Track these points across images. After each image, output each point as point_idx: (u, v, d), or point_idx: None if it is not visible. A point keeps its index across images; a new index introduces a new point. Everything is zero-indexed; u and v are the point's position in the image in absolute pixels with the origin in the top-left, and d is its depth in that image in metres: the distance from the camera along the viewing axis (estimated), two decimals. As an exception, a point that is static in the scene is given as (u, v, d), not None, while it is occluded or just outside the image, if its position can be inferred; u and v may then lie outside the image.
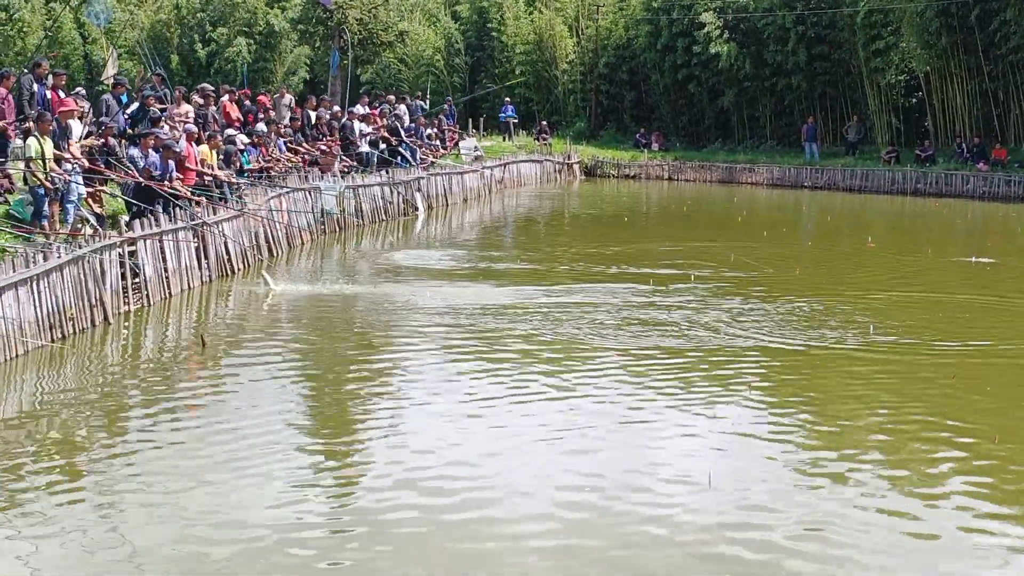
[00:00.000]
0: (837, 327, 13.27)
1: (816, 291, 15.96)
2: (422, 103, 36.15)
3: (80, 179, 15.25)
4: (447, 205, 30.88)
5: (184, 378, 11.09)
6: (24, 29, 47.22)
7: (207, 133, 19.69)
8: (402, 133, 29.77)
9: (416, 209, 28.20)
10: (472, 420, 9.38)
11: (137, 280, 14.39)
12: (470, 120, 43.08)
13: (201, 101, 22.35)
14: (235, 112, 23.66)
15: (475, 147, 36.04)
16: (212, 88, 23.71)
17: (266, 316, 14.49)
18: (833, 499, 7.59)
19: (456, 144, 35.76)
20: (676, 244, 22.22)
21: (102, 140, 16.78)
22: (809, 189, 38.13)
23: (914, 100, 40.06)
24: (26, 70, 17.91)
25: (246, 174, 20.92)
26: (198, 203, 16.99)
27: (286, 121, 25.45)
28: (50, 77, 17.59)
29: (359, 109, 29.34)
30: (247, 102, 25.22)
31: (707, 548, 6.83)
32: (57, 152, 14.65)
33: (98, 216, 15.75)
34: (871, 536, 6.97)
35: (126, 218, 15.59)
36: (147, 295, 14.47)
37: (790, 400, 10.19)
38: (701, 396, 10.22)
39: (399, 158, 29.14)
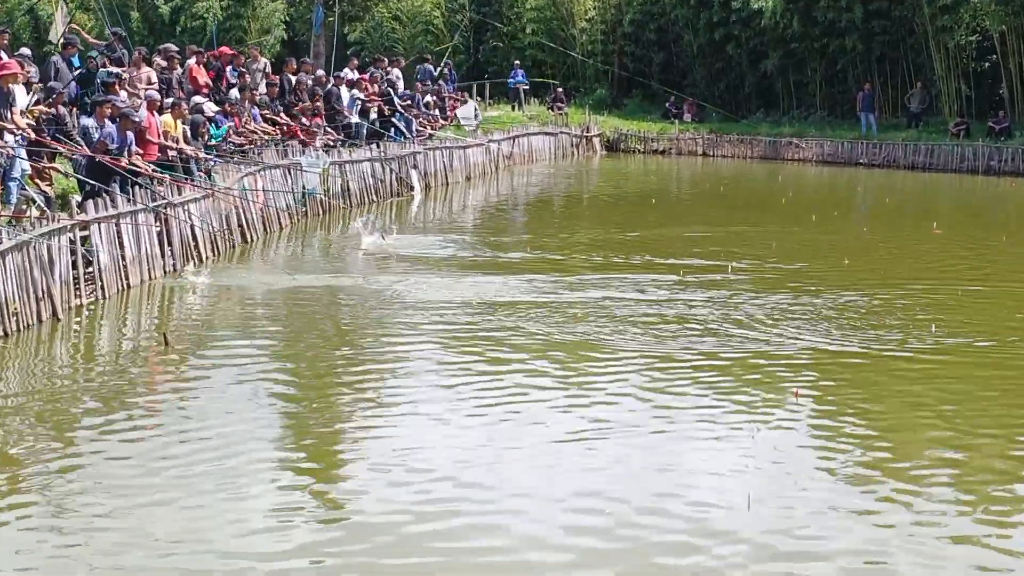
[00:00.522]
0: (896, 327, 13.23)
1: (872, 284, 15.91)
2: (430, 67, 36.13)
3: (24, 153, 15.26)
4: (447, 184, 30.88)
5: (144, 382, 11.09)
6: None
7: (171, 101, 19.70)
8: (396, 101, 29.78)
9: (411, 189, 28.21)
10: (473, 433, 9.37)
11: (90, 270, 14.40)
12: (474, 86, 43.06)
13: (164, 64, 22.37)
14: (203, 77, 23.68)
15: (475, 112, 36.00)
16: (177, 49, 23.73)
17: (238, 311, 14.49)
18: (893, 526, 7.55)
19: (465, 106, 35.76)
20: (711, 230, 22.17)
21: (52, 109, 16.80)
22: (865, 167, 38.03)
23: (987, 64, 39.88)
24: (-38, 28, 17.94)
25: (215, 148, 20.92)
26: (160, 181, 17.00)
27: (262, 88, 25.47)
28: (-10, 36, 17.62)
29: (346, 73, 29.35)
30: (216, 63, 25.24)
31: (745, 582, 6.81)
32: (-1, 122, 14.69)
33: (46, 196, 15.77)
34: (944, 572, 6.92)
35: (78, 198, 15.59)
36: (102, 287, 14.48)
37: (842, 411, 10.14)
38: (739, 406, 10.18)
39: (392, 130, 29.15)
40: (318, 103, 26.28)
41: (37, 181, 15.99)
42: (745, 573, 6.88)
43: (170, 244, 16.61)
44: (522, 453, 8.89)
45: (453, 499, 7.90)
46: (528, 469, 8.52)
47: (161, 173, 17.16)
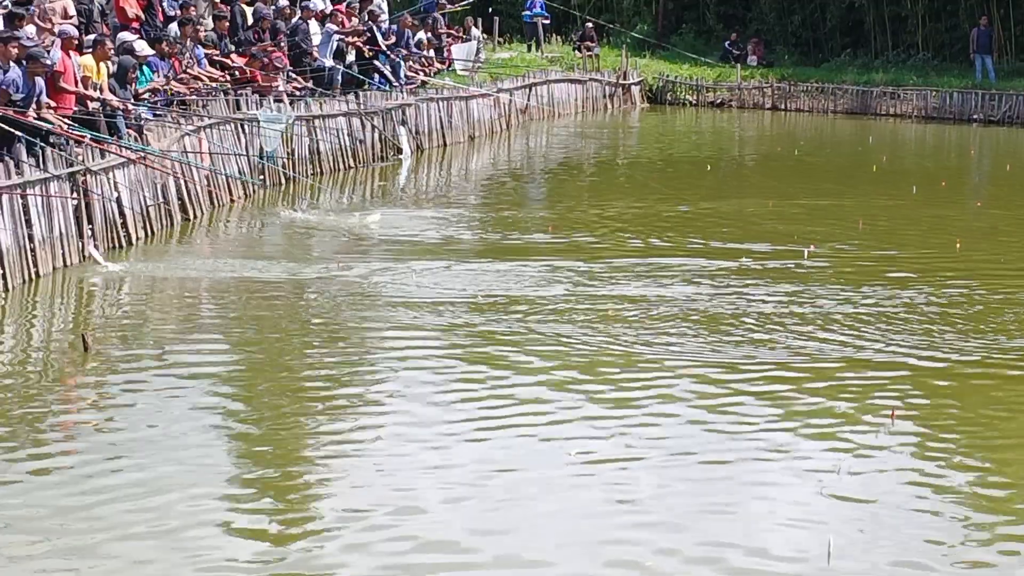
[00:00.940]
0: (1019, 331, 13.19)
1: (987, 275, 15.88)
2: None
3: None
4: (445, 145, 30.88)
5: (58, 399, 11.07)
6: None
7: (92, 38, 19.69)
8: (380, 39, 29.77)
9: (399, 151, 28.20)
10: (472, 465, 9.35)
11: (-11, 254, 14.41)
12: (480, 20, 42.99)
13: (84, -10, 22.37)
14: (133, 8, 23.68)
15: (477, 48, 35.95)
16: (101, -28, 23.73)
17: (176, 308, 14.49)
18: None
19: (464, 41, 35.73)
20: (781, 205, 22.13)
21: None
22: (980, 123, 37.95)
23: None
24: None
25: (148, 99, 20.92)
26: (79, 141, 17.00)
27: (208, 21, 25.47)
28: None
29: (317, 3, 29.35)
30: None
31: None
32: None
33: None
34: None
35: (-27, 163, 15.61)
36: (3, 275, 14.49)
37: (950, 438, 10.11)
38: (818, 430, 10.15)
39: (375, 76, 29.13)
40: (280, 41, 26.28)
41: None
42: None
43: (90, 222, 16.60)
44: (537, 489, 8.86)
45: (444, 551, 7.89)
46: (545, 509, 8.49)
47: (79, 131, 17.14)
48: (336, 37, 28.14)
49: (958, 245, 17.81)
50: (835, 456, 9.60)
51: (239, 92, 23.70)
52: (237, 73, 24.58)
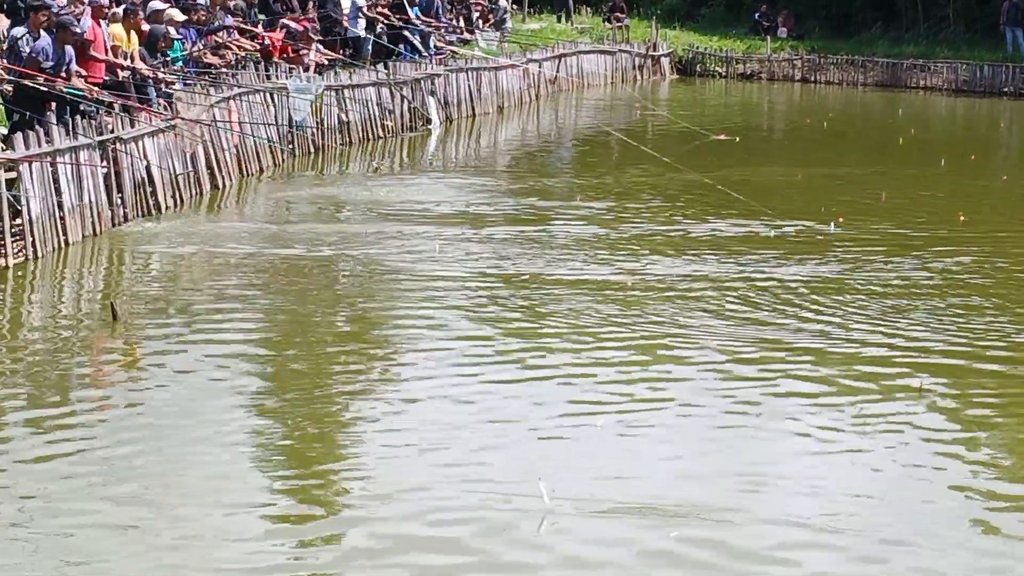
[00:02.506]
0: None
1: (1010, 248, 15.81)
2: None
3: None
4: (473, 116, 30.80)
5: (86, 367, 11.09)
6: None
7: (123, 7, 19.67)
8: (409, 10, 29.68)
9: (428, 122, 28.15)
10: (497, 436, 9.33)
11: (19, 222, 14.42)
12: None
13: (115, -40, 22.33)
14: (165, -24, 23.63)
15: (503, 19, 35.84)
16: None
17: (204, 276, 14.48)
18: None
19: (493, 23, 35.58)
20: (810, 176, 22.02)
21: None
22: (1011, 97, 37.65)
23: None
24: None
25: (178, 48, 20.87)
26: (109, 108, 16.99)
27: (238, -10, 25.42)
28: None
29: (346, -27, 29.27)
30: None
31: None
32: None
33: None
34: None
35: (3, 131, 15.59)
36: (33, 243, 14.51)
37: (977, 412, 10.05)
38: (842, 412, 10.09)
39: (404, 46, 29.06)
40: (311, 11, 26.22)
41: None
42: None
43: (120, 190, 16.61)
44: (563, 455, 8.85)
45: (471, 519, 7.88)
46: (573, 476, 8.47)
47: (109, 99, 17.13)
48: (364, 9, 28.06)
49: (961, 218, 17.70)
50: (862, 426, 9.56)
51: (269, 62, 23.66)
52: (268, 43, 24.51)
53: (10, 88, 15.92)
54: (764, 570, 7.30)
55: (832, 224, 16.90)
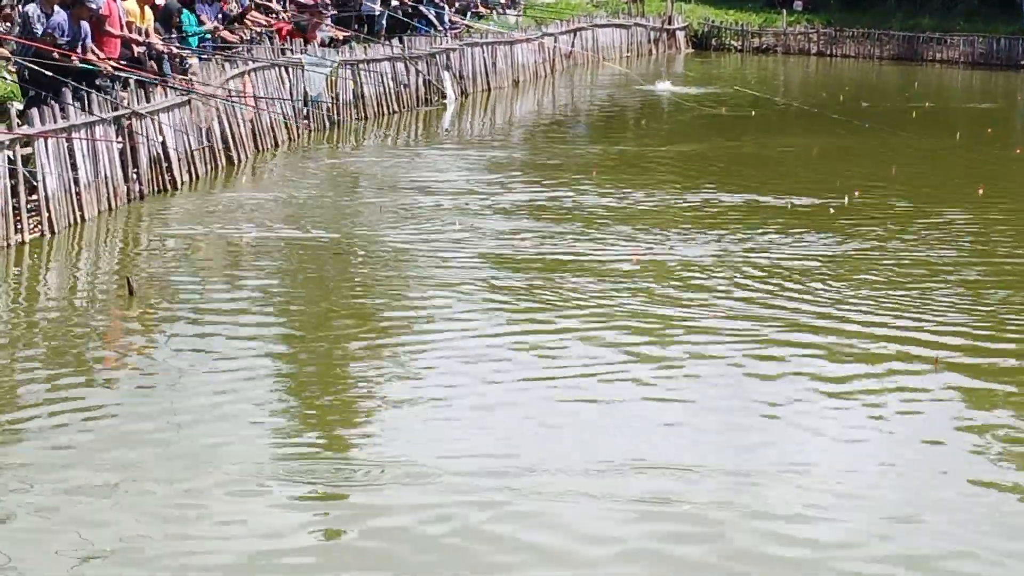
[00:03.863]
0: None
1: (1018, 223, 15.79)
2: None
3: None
4: (489, 90, 30.75)
5: (102, 343, 11.09)
6: None
7: (138, -18, 19.62)
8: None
9: (444, 96, 28.11)
10: (516, 411, 9.32)
11: (35, 198, 14.42)
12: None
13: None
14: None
15: (518, 5, 35.84)
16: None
17: (220, 252, 14.47)
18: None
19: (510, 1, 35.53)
20: (826, 150, 21.95)
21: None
22: (1027, 70, 37.55)
23: None
24: None
25: (195, 42, 20.87)
26: (125, 83, 16.97)
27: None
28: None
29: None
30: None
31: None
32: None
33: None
34: None
35: (18, 106, 15.57)
36: (49, 219, 14.50)
37: (993, 386, 10.02)
38: (859, 378, 10.08)
39: (420, 21, 28.99)
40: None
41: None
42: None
43: (135, 165, 16.60)
44: (579, 438, 8.84)
45: (493, 488, 7.86)
46: (587, 453, 8.47)
47: (125, 73, 17.10)
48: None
49: (980, 191, 17.66)
50: (879, 400, 9.56)
51: (284, 37, 23.62)
52: (283, 18, 24.45)
53: (27, 66, 15.89)
54: (778, 529, 7.33)
55: (847, 198, 16.86)
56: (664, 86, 32.37)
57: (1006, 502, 7.97)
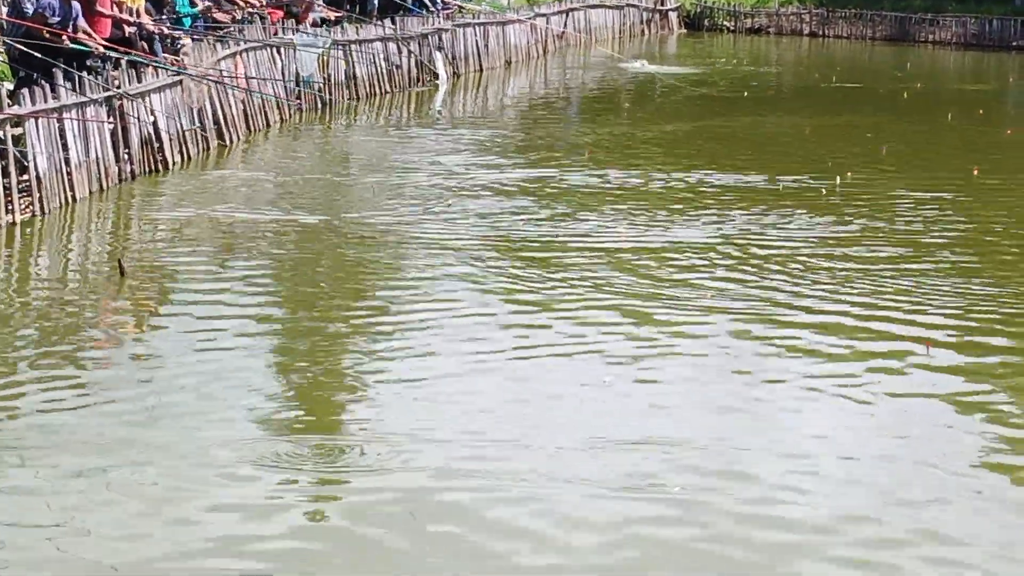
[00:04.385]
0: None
1: (1010, 205, 15.78)
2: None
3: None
4: (481, 70, 30.68)
5: (93, 324, 11.06)
6: None
7: (129, -38, 19.54)
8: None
9: (436, 76, 28.05)
10: (507, 387, 9.32)
11: (25, 178, 14.38)
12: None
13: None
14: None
15: None
16: None
17: (211, 233, 14.44)
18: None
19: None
20: (818, 130, 21.95)
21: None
22: (1019, 51, 37.47)
23: None
24: None
25: (188, 23, 20.81)
26: (116, 63, 16.92)
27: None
28: None
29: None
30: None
31: None
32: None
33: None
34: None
35: (9, 86, 15.52)
36: (40, 199, 14.47)
37: (985, 367, 10.02)
38: (849, 359, 10.07)
39: (412, 1, 28.91)
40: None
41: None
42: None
43: (127, 146, 16.55)
44: (570, 406, 8.83)
45: (477, 458, 7.87)
46: (576, 420, 8.46)
47: (116, 54, 17.04)
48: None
49: (975, 172, 17.66)
50: (869, 380, 9.56)
51: (276, 18, 23.54)
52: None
53: (17, 46, 15.84)
54: (767, 512, 7.33)
55: (838, 179, 16.86)
56: (640, 64, 32.39)
57: (999, 485, 7.97)
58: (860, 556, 6.94)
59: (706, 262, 12.85)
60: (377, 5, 27.51)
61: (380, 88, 26.02)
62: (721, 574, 6.86)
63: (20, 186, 14.25)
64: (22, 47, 15.62)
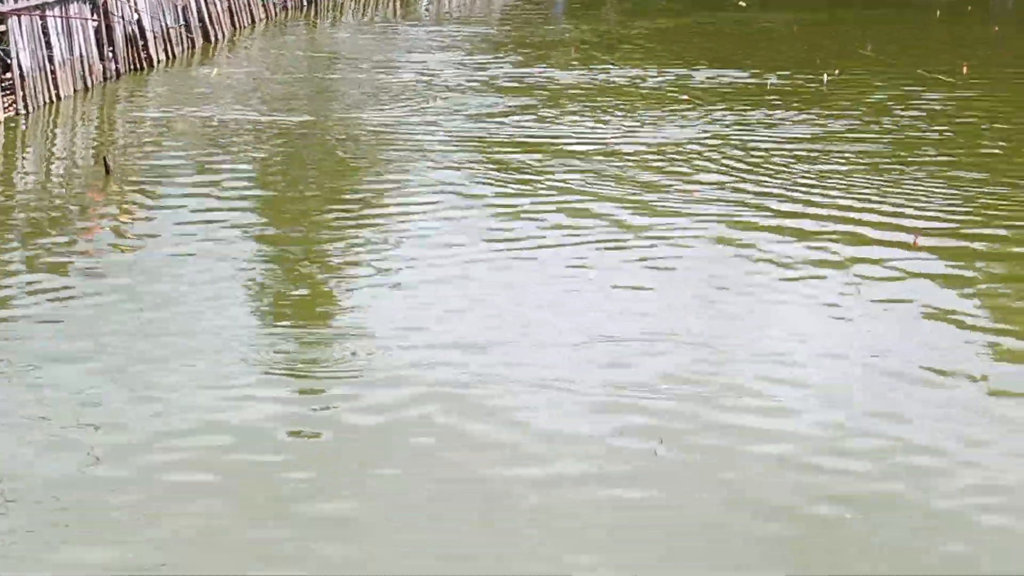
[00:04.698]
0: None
1: (998, 102, 15.77)
2: None
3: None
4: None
5: (79, 220, 11.03)
6: None
7: None
8: None
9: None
10: (496, 285, 9.33)
11: (9, 76, 14.30)
12: None
13: None
14: None
15: None
16: None
17: (196, 132, 14.37)
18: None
19: None
20: (806, 26, 21.86)
21: None
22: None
23: None
24: None
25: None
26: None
27: None
28: None
29: None
30: None
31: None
32: None
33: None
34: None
35: (-9, -17, 15.41)
36: (24, 97, 14.39)
37: (971, 261, 10.05)
38: (839, 255, 10.09)
39: None
40: None
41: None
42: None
43: (111, 44, 16.43)
44: (555, 327, 8.85)
45: (464, 382, 7.88)
46: (557, 325, 8.48)
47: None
48: None
49: (964, 69, 17.60)
50: (857, 274, 9.58)
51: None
52: None
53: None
54: (752, 424, 7.33)
55: (826, 76, 16.80)
56: None
57: (982, 391, 7.96)
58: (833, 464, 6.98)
59: (692, 161, 12.79)
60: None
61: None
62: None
63: (4, 84, 14.18)
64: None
